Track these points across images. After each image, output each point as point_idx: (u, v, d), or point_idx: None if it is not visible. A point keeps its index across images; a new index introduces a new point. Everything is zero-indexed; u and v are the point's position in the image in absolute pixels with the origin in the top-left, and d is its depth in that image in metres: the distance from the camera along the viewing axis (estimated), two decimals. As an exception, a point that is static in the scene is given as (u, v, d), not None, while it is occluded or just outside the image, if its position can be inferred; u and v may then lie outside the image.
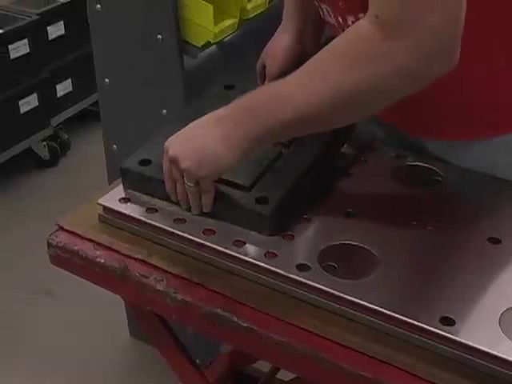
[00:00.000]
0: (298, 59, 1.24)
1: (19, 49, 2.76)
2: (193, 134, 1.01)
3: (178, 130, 1.03)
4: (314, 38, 1.27)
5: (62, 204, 1.70)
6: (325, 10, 1.10)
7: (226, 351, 1.58)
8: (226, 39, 1.67)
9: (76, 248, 1.06)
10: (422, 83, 0.91)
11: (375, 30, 0.88)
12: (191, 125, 1.02)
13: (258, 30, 1.76)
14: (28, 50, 2.79)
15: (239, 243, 1.00)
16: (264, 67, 1.29)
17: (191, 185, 1.01)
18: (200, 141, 0.99)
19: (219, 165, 0.99)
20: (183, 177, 1.01)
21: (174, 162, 1.00)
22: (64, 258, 1.08)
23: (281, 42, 1.26)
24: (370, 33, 0.88)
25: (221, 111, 0.99)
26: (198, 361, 1.27)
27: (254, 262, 0.97)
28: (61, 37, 2.97)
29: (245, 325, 0.93)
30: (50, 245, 1.08)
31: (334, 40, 0.94)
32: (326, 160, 1.14)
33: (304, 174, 1.09)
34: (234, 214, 1.03)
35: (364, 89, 0.90)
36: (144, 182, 1.08)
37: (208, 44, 1.62)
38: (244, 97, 0.99)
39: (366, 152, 1.20)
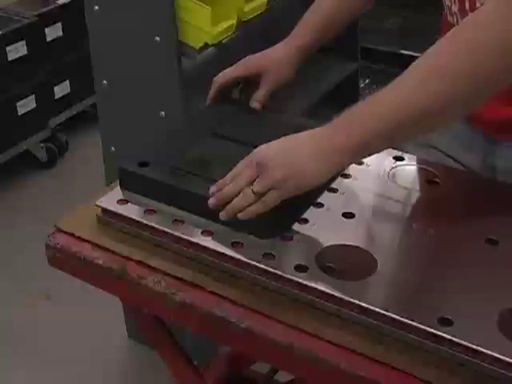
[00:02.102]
0: (293, 70, 1.24)
1: (17, 50, 2.76)
2: (287, 147, 0.98)
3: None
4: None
5: (60, 205, 1.71)
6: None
7: (224, 352, 1.58)
8: (224, 41, 1.68)
9: (74, 249, 1.06)
10: None
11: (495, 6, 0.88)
12: (287, 137, 0.99)
13: (257, 31, 1.77)
14: (26, 52, 2.79)
15: (237, 245, 1.00)
16: (251, 74, 1.25)
17: (259, 192, 0.97)
18: (293, 155, 0.96)
19: (307, 180, 0.96)
20: (253, 181, 0.97)
21: (259, 165, 0.96)
22: (62, 260, 1.08)
23: (284, 50, 1.25)
24: (489, 10, 0.88)
25: (319, 128, 0.98)
26: (196, 362, 1.27)
27: (252, 263, 0.97)
28: (59, 38, 2.98)
29: (243, 326, 0.94)
30: (47, 246, 1.08)
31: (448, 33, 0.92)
32: None
33: None
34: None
35: (483, 70, 0.88)
36: (142, 183, 1.08)
37: (206, 46, 1.62)
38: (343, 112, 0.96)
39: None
